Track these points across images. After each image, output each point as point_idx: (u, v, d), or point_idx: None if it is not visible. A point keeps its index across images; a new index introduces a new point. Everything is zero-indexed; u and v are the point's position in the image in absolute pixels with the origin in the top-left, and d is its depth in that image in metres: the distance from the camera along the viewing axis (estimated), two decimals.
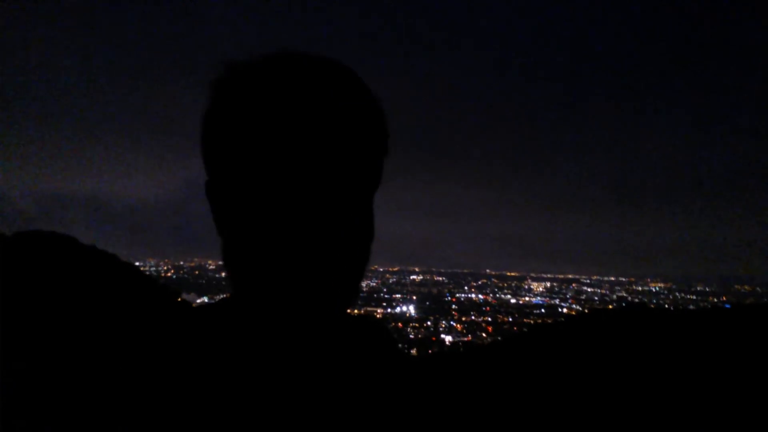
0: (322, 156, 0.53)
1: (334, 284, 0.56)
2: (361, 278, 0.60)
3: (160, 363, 0.55)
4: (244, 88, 0.56)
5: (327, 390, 0.58)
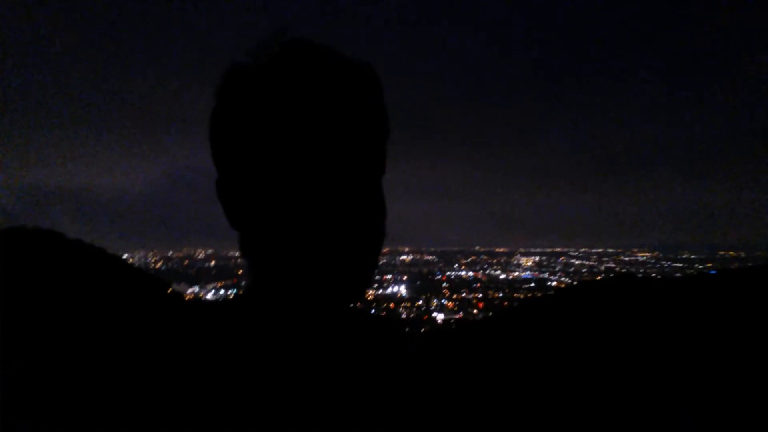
0: (324, 147, 0.54)
1: (349, 274, 0.57)
2: (374, 264, 0.60)
3: (159, 359, 0.55)
4: (247, 86, 0.57)
5: (332, 384, 0.58)
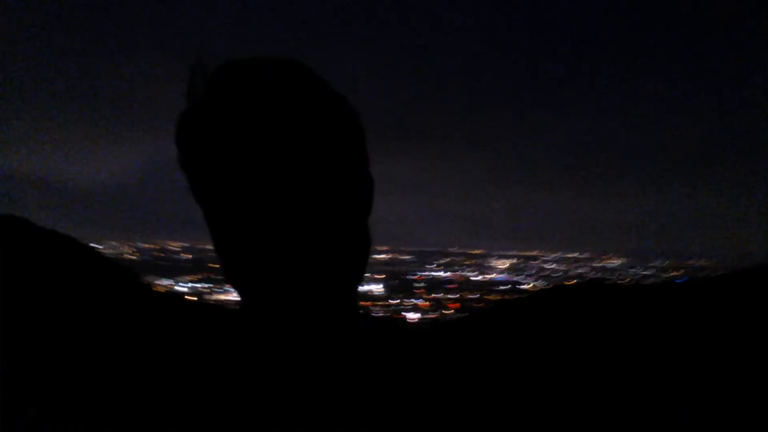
0: (300, 160, 0.54)
1: (332, 286, 0.57)
2: (360, 276, 0.61)
3: (132, 354, 0.55)
4: (200, 130, 0.57)
5: (326, 386, 0.58)
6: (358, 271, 0.61)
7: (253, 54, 0.58)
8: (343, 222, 0.57)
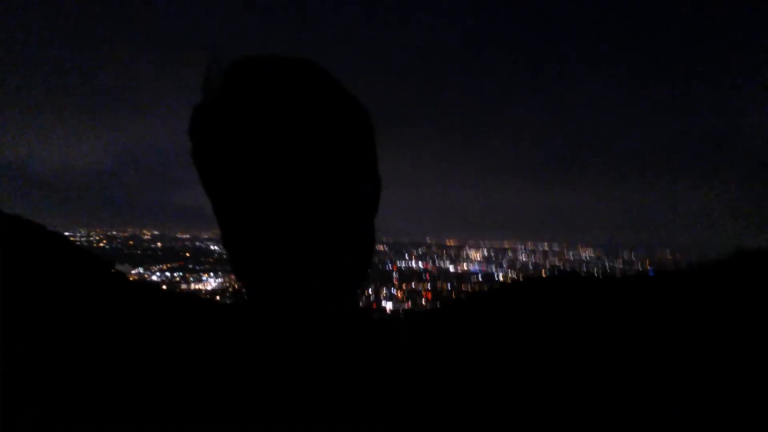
0: (310, 159, 0.55)
1: (335, 284, 0.58)
2: (363, 275, 0.62)
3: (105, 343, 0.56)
4: (215, 124, 0.57)
5: (323, 385, 0.58)
6: (360, 269, 0.62)
7: (267, 51, 0.60)
8: (346, 220, 0.58)
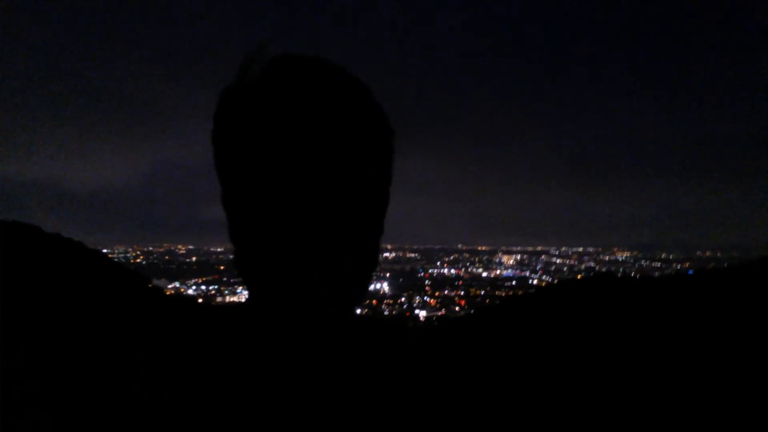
0: (319, 159, 0.55)
1: (337, 289, 0.57)
2: (366, 283, 0.62)
3: (143, 358, 0.56)
4: (241, 109, 0.57)
5: (323, 390, 0.58)
6: (361, 279, 0.61)
7: (306, 52, 0.59)
8: (355, 230, 0.58)
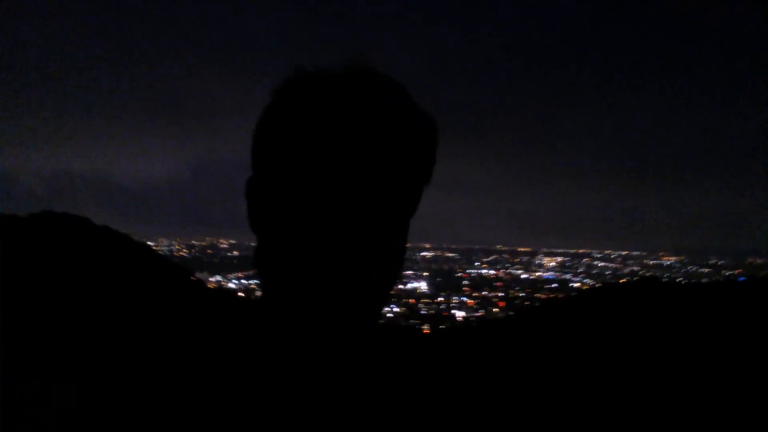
0: (366, 174, 0.54)
1: (357, 300, 0.56)
2: (385, 297, 0.61)
3: (178, 352, 0.57)
4: (306, 94, 0.57)
5: (338, 396, 0.58)
6: (383, 289, 0.60)
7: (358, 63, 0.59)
8: (381, 242, 0.57)
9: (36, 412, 0.50)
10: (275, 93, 0.60)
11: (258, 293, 0.62)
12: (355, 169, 0.54)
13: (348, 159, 0.54)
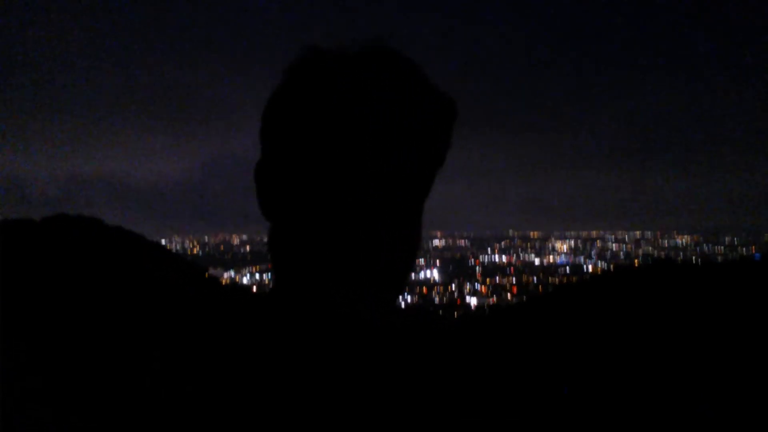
0: (378, 156, 0.53)
1: (362, 293, 0.55)
2: (397, 288, 0.59)
3: (194, 349, 0.57)
4: (315, 79, 0.56)
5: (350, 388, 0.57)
6: (396, 284, 0.59)
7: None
8: (396, 234, 0.55)
9: (36, 408, 0.50)
10: (286, 72, 0.58)
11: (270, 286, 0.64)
12: (359, 156, 0.53)
13: (353, 145, 0.53)
